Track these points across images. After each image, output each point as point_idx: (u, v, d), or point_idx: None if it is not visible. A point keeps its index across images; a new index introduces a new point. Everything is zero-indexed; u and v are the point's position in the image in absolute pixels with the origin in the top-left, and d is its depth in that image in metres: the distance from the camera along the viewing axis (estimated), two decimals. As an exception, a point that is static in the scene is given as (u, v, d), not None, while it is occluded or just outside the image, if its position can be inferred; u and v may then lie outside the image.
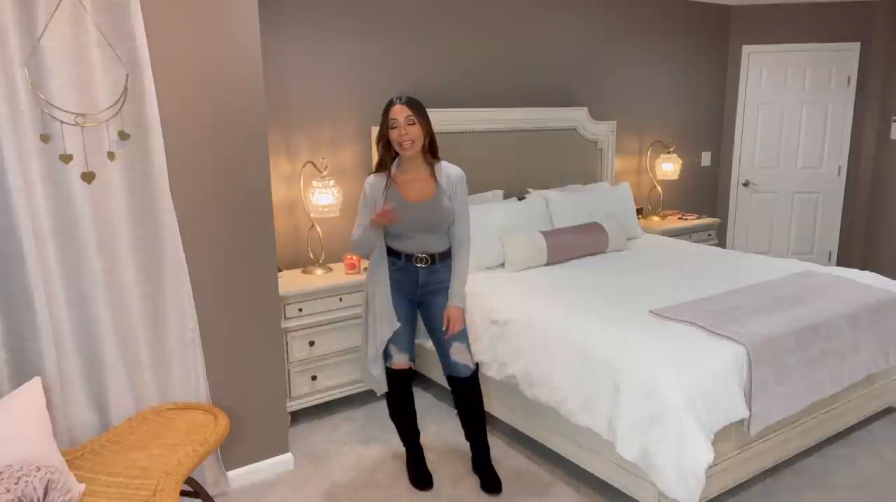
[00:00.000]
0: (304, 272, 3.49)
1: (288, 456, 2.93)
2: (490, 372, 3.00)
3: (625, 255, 3.87)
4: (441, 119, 3.72)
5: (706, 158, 5.66)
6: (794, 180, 5.59)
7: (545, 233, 3.69)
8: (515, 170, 4.32)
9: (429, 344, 2.91)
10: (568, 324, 2.75)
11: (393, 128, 2.49)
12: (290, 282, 3.31)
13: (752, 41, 5.44)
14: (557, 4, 4.46)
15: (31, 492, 1.80)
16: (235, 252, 2.65)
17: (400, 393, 2.75)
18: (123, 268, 2.38)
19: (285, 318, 3.19)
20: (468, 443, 2.84)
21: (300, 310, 3.23)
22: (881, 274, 3.55)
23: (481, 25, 4.14)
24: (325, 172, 3.43)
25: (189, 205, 2.51)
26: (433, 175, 2.59)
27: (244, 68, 2.56)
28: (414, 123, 2.48)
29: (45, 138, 2.17)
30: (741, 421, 2.47)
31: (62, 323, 2.29)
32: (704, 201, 5.73)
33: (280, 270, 3.43)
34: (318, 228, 3.54)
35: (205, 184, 2.54)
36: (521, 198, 4.07)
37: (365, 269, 2.75)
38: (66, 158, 2.21)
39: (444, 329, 2.62)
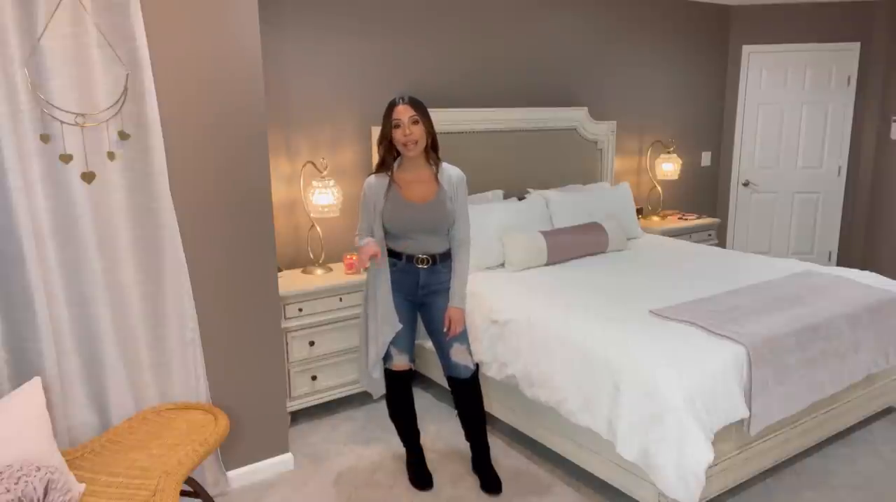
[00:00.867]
0: (304, 272, 3.49)
1: (288, 456, 2.93)
2: (490, 372, 3.00)
3: (625, 255, 3.87)
4: (441, 119, 3.70)
5: (706, 158, 5.65)
6: (794, 180, 5.58)
7: (545, 233, 3.69)
8: (515, 170, 4.32)
9: (429, 344, 2.91)
10: (568, 324, 2.75)
11: (396, 128, 2.48)
12: (290, 282, 3.31)
13: (752, 41, 5.44)
14: (557, 4, 4.46)
15: (31, 492, 1.80)
16: (235, 252, 2.65)
17: (400, 394, 2.75)
18: (123, 268, 2.38)
19: (285, 318, 3.19)
20: (468, 443, 2.84)
21: (300, 310, 3.23)
22: (881, 274, 3.54)
23: (481, 25, 4.14)
24: (325, 172, 3.43)
25: (189, 205, 2.51)
26: (435, 176, 2.58)
27: (244, 68, 2.56)
28: (417, 123, 2.48)
29: (45, 138, 2.17)
30: (741, 421, 2.47)
31: (62, 323, 2.29)
32: (704, 201, 5.73)
33: (280, 270, 3.43)
34: (318, 228, 3.54)
35: (205, 184, 2.54)
36: (521, 198, 4.07)
37: (365, 270, 2.74)
38: (66, 158, 2.21)
39: (445, 330, 2.62)
